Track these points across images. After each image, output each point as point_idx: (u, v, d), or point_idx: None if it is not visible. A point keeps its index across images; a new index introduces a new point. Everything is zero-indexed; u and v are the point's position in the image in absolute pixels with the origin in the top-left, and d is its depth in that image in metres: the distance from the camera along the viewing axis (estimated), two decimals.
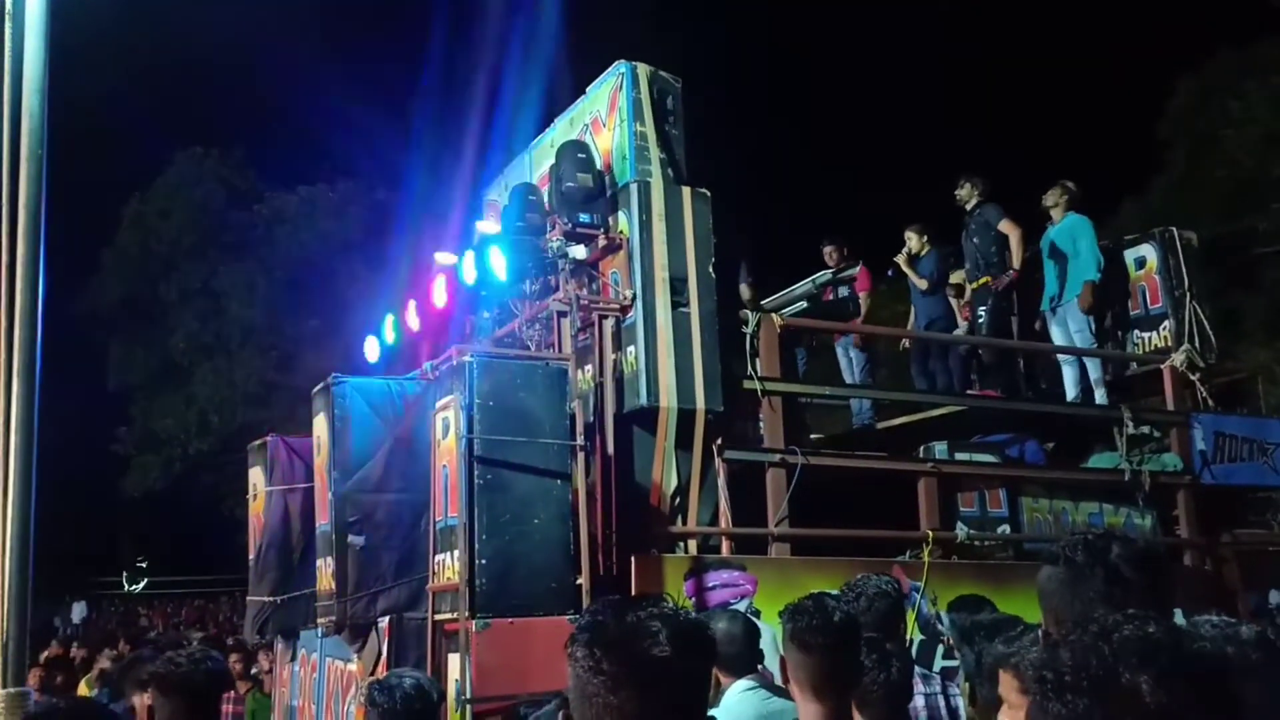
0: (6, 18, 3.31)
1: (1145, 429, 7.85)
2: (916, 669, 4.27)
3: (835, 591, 4.08)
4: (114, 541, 30.07)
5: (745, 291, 7.45)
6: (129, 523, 28.40)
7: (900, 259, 9.05)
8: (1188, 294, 8.53)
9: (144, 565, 31.58)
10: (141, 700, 3.77)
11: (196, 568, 27.81)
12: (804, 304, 8.09)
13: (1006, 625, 3.23)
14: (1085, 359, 8.43)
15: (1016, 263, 8.50)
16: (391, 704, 2.87)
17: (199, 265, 24.24)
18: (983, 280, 8.61)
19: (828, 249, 9.39)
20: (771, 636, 5.44)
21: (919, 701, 4.11)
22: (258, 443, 7.81)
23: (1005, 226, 8.56)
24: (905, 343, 9.79)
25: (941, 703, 4.41)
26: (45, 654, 9.39)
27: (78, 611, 24.38)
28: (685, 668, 1.59)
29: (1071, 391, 8.47)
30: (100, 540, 28.83)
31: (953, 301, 9.11)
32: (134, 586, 31.11)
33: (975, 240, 8.71)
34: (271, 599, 7.25)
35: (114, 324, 24.84)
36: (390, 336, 7.51)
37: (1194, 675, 1.25)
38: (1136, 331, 8.83)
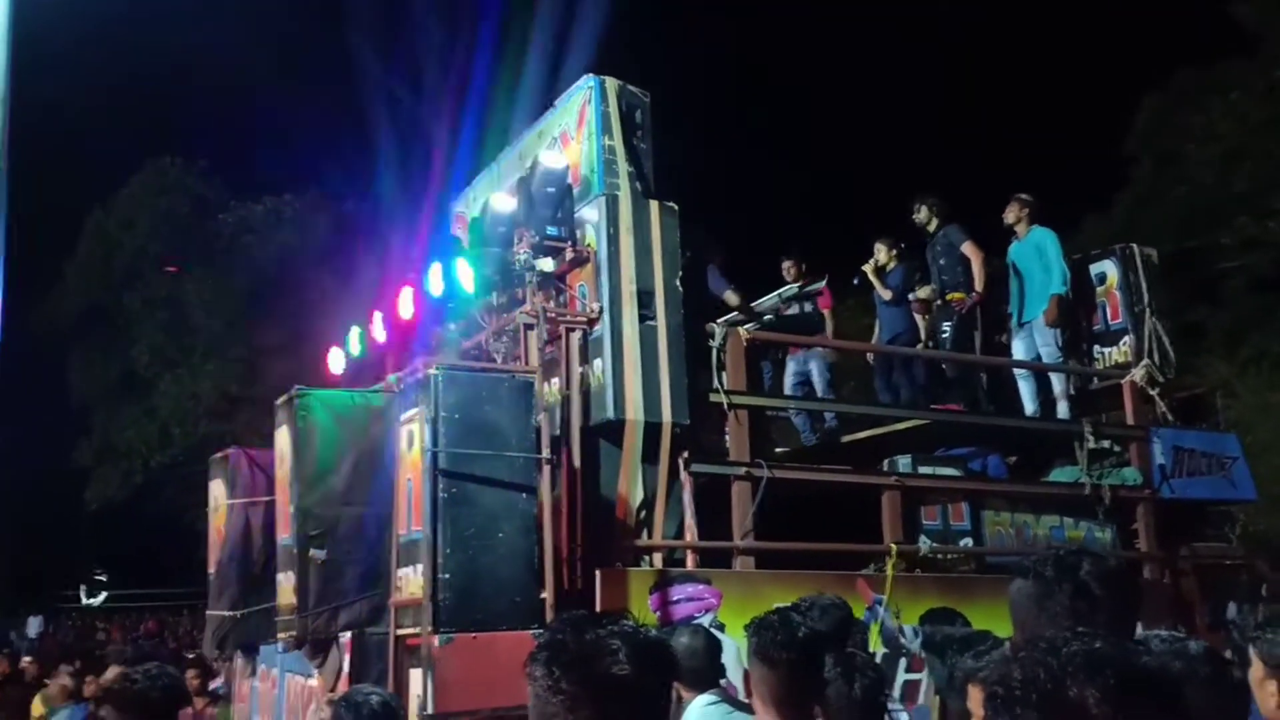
0: None
1: (1105, 443, 7.95)
2: None
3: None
4: (72, 554, 29.60)
5: (732, 298, 7.47)
6: (88, 536, 27.98)
7: (868, 268, 9.11)
8: (1148, 309, 8.65)
9: (103, 579, 31.12)
10: None
11: (157, 581, 27.43)
12: (769, 318, 8.11)
13: (978, 639, 3.25)
14: (1051, 373, 8.51)
15: (979, 285, 8.57)
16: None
17: (162, 275, 23.98)
18: (953, 296, 8.68)
19: (786, 264, 9.43)
20: (736, 650, 5.46)
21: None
22: (219, 455, 7.72)
23: (968, 249, 8.63)
24: (870, 357, 9.83)
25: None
26: None
27: (33, 626, 23.92)
28: (645, 685, 1.59)
29: (1030, 406, 8.54)
30: (58, 553, 28.39)
31: (917, 318, 9.17)
32: (92, 600, 30.63)
33: (941, 261, 8.78)
34: (231, 613, 7.17)
35: (76, 335, 24.51)
36: (355, 348, 7.46)
37: (1140, 689, 1.28)
38: (1098, 347, 8.94)
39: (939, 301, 8.81)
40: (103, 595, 30.71)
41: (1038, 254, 8.58)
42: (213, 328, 23.67)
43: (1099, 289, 8.94)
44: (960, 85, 25.00)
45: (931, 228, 8.89)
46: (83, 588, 30.86)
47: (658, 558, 6.14)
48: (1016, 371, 8.70)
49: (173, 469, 23.28)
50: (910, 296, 9.00)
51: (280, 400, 6.39)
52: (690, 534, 6.22)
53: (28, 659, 13.02)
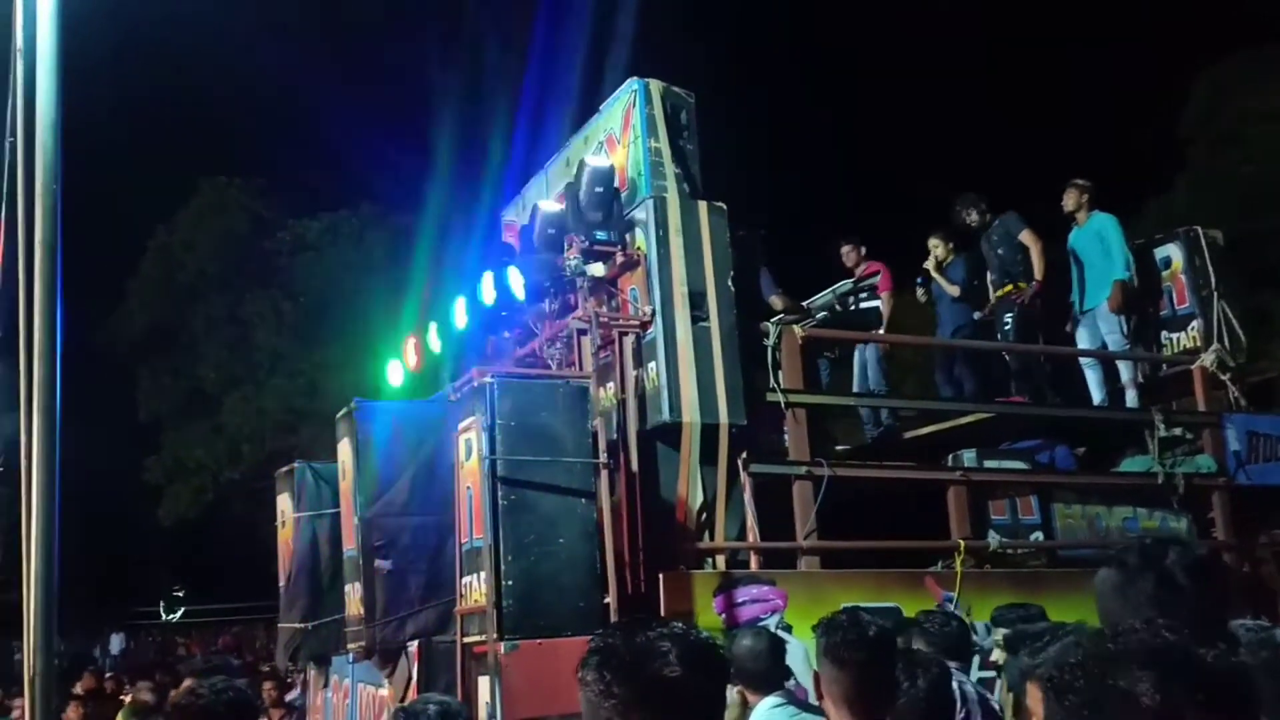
0: (18, 54, 3.34)
1: (1177, 431, 7.75)
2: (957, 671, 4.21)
3: (869, 603, 4.05)
4: (150, 572, 30.26)
5: (778, 303, 7.44)
6: (164, 553, 28.58)
7: (929, 266, 8.95)
8: (1215, 293, 8.43)
9: (180, 594, 31.77)
10: None
11: (232, 595, 27.94)
12: (825, 314, 8.03)
13: (1052, 634, 3.17)
14: (1118, 361, 8.33)
15: (1039, 274, 8.41)
16: None
17: (225, 294, 24.44)
18: (1007, 287, 8.53)
19: (845, 249, 9.30)
20: (804, 652, 5.40)
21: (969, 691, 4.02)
22: (284, 470, 7.84)
23: (1026, 238, 8.48)
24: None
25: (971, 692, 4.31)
26: (78, 686, 9.44)
27: (116, 643, 24.57)
28: (697, 688, 1.57)
29: (1097, 395, 8.37)
30: (136, 571, 29.03)
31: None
32: (171, 616, 31.29)
33: (1000, 251, 8.63)
34: (302, 625, 7.26)
35: (141, 354, 25.05)
36: (412, 360, 7.52)
37: (1196, 681, 1.23)
38: (1165, 332, 8.73)
39: (998, 293, 8.66)
40: (181, 611, 31.36)
41: (1099, 240, 8.41)
42: (275, 344, 24.06)
43: (1164, 273, 8.74)
44: (1011, 67, 24.59)
45: (985, 220, 8.74)
46: (162, 604, 31.54)
47: (721, 560, 6.10)
48: (1082, 360, 8.52)
49: (242, 484, 23.69)
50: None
51: (340, 413, 6.46)
52: (752, 535, 6.18)
53: (110, 675, 13.36)
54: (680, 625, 1.64)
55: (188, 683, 4.30)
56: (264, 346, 24.05)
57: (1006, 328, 8.48)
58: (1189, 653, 1.27)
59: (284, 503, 7.76)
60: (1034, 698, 2.46)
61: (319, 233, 24.56)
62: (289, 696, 9.25)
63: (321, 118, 23.03)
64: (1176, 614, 1.84)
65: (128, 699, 11.15)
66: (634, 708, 1.53)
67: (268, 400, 23.81)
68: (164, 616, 31.42)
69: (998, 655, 4.86)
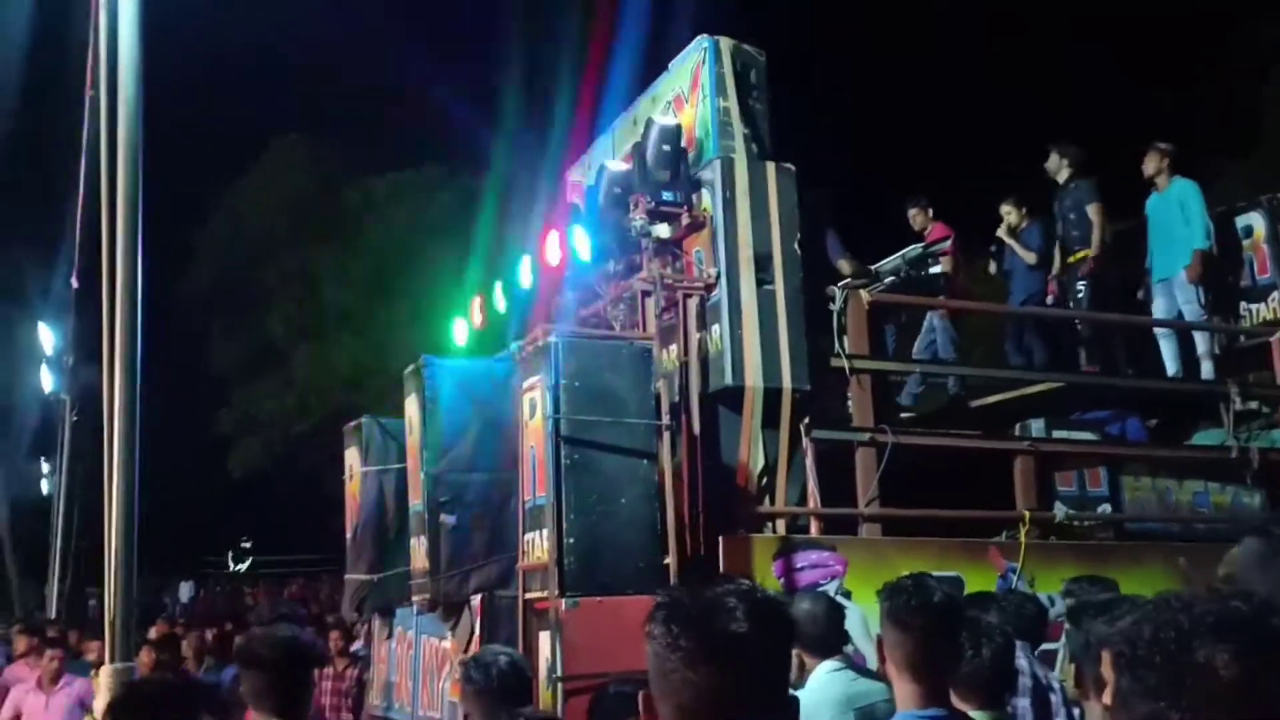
0: (102, 6, 3.39)
1: (1253, 404, 7.57)
2: (1023, 648, 4.18)
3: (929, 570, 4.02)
4: (219, 522, 31.05)
5: (845, 266, 7.34)
6: (233, 504, 29.30)
7: (1002, 232, 8.78)
8: None
9: (248, 545, 32.57)
10: None
11: (299, 547, 28.59)
12: (893, 279, 7.93)
13: (1117, 605, 3.12)
14: (1195, 332, 8.14)
15: (1095, 249, 8.24)
16: (488, 681, 2.90)
17: (293, 250, 24.80)
18: (1080, 254, 8.36)
19: (912, 211, 9.19)
20: (862, 617, 5.39)
21: (1024, 682, 4.01)
22: (353, 424, 7.96)
23: (1093, 211, 8.31)
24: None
25: (1057, 688, 4.28)
26: (152, 632, 9.73)
27: (185, 591, 25.26)
28: (763, 644, 1.58)
29: (1172, 367, 8.19)
30: (206, 521, 29.80)
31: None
32: (239, 566, 32.12)
33: (1071, 216, 8.47)
34: (368, 577, 7.41)
35: (212, 309, 25.57)
36: (478, 318, 7.58)
37: (1276, 651, 1.19)
38: (1244, 303, 8.51)
39: (1069, 259, 8.50)
40: (249, 561, 32.17)
41: (1179, 207, 8.19)
42: (343, 301, 24.39)
43: (1245, 242, 8.52)
44: (1085, 30, 23.88)
45: (1062, 178, 8.57)
46: (230, 554, 32.39)
47: (781, 524, 6.10)
48: (1158, 331, 8.33)
49: (311, 438, 24.12)
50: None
51: (408, 370, 6.54)
52: (813, 500, 6.16)
53: (181, 621, 13.76)
54: (747, 582, 1.65)
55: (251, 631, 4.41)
56: (332, 303, 24.39)
57: (1080, 296, 8.32)
58: (1267, 623, 1.24)
59: (352, 457, 7.89)
60: (1107, 664, 2.43)
61: (386, 192, 24.78)
62: (353, 647, 9.46)
63: (390, 77, 23.15)
64: None
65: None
66: (699, 660, 1.54)
67: (335, 356, 24.19)
68: (232, 567, 32.28)
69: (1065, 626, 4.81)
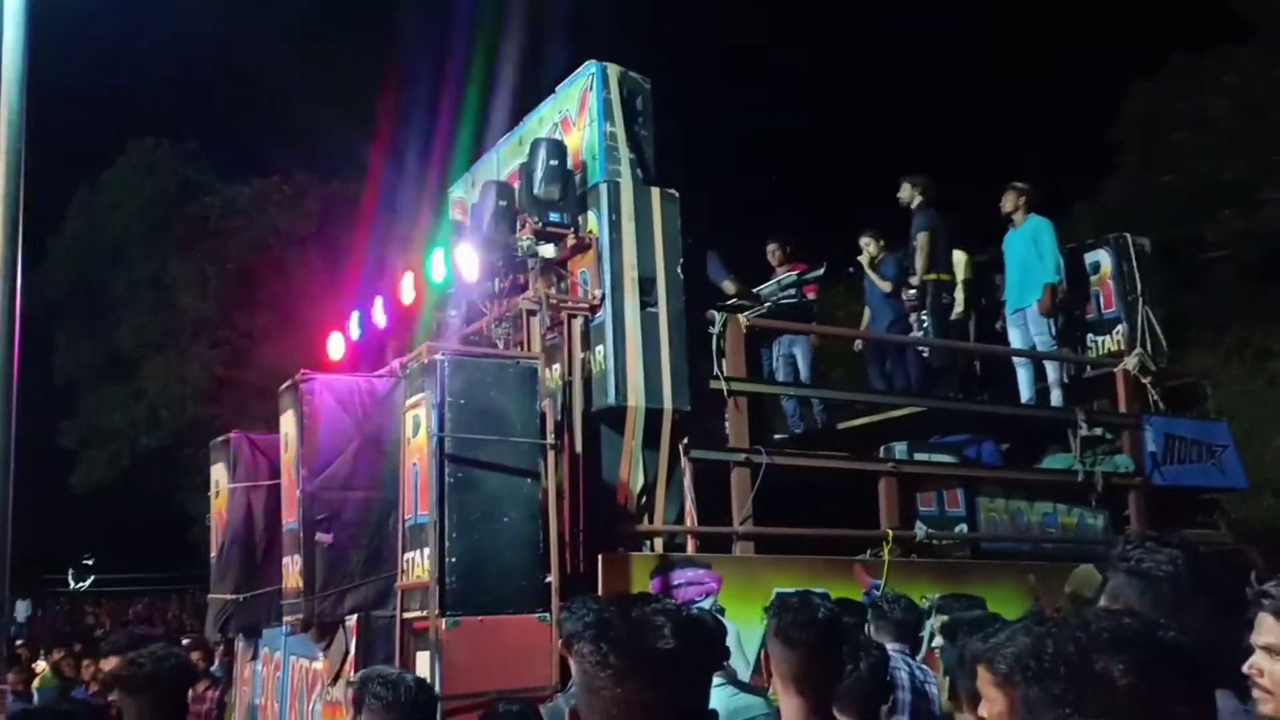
0: None
1: (1098, 431, 8.03)
2: (895, 649, 4.38)
3: (800, 588, 4.17)
4: (59, 538, 29.46)
5: (730, 287, 7.50)
6: (75, 519, 27.87)
7: (863, 261, 9.16)
8: (1140, 299, 8.74)
9: (90, 563, 31.00)
10: None
11: (145, 565, 27.37)
12: (769, 305, 8.16)
13: (989, 622, 3.34)
14: (1045, 361, 8.59)
15: (920, 273, 8.63)
16: (396, 696, 2.88)
17: (149, 257, 23.86)
18: (930, 276, 8.72)
19: (771, 247, 9.44)
20: (736, 634, 5.53)
21: (903, 697, 4.20)
22: (220, 440, 7.73)
23: (921, 240, 8.69)
24: (858, 344, 9.90)
25: (932, 690, 4.49)
26: None
27: (21, 610, 23.88)
28: (689, 660, 1.66)
29: (1026, 393, 8.63)
30: (45, 537, 28.25)
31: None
32: (80, 584, 30.53)
33: (913, 244, 8.83)
34: (234, 596, 7.19)
35: (61, 315, 24.38)
36: (355, 333, 7.47)
37: (1166, 663, 1.34)
38: (1091, 335, 9.03)
39: (913, 281, 8.83)
40: (90, 579, 30.61)
41: (1033, 242, 8.64)
42: (200, 310, 23.57)
43: (1093, 278, 9.03)
44: (949, 68, 25.00)
45: (914, 206, 8.91)
46: (70, 571, 30.76)
47: (659, 542, 6.19)
48: (1014, 359, 8.77)
49: (161, 452, 23.21)
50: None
51: (285, 385, 6.41)
52: (690, 519, 6.28)
53: (20, 643, 13.03)
54: (671, 602, 1.72)
55: (116, 659, 4.22)
56: (187, 312, 23.54)
57: (925, 325, 8.70)
58: (1156, 637, 1.38)
59: (218, 472, 7.66)
60: (984, 679, 2.60)
61: (249, 198, 24.10)
62: (211, 667, 9.15)
63: (257, 83, 22.53)
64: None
65: (39, 668, 10.94)
66: (629, 676, 1.60)
67: (190, 367, 23.34)
68: (73, 585, 30.64)
69: (939, 641, 5.04)
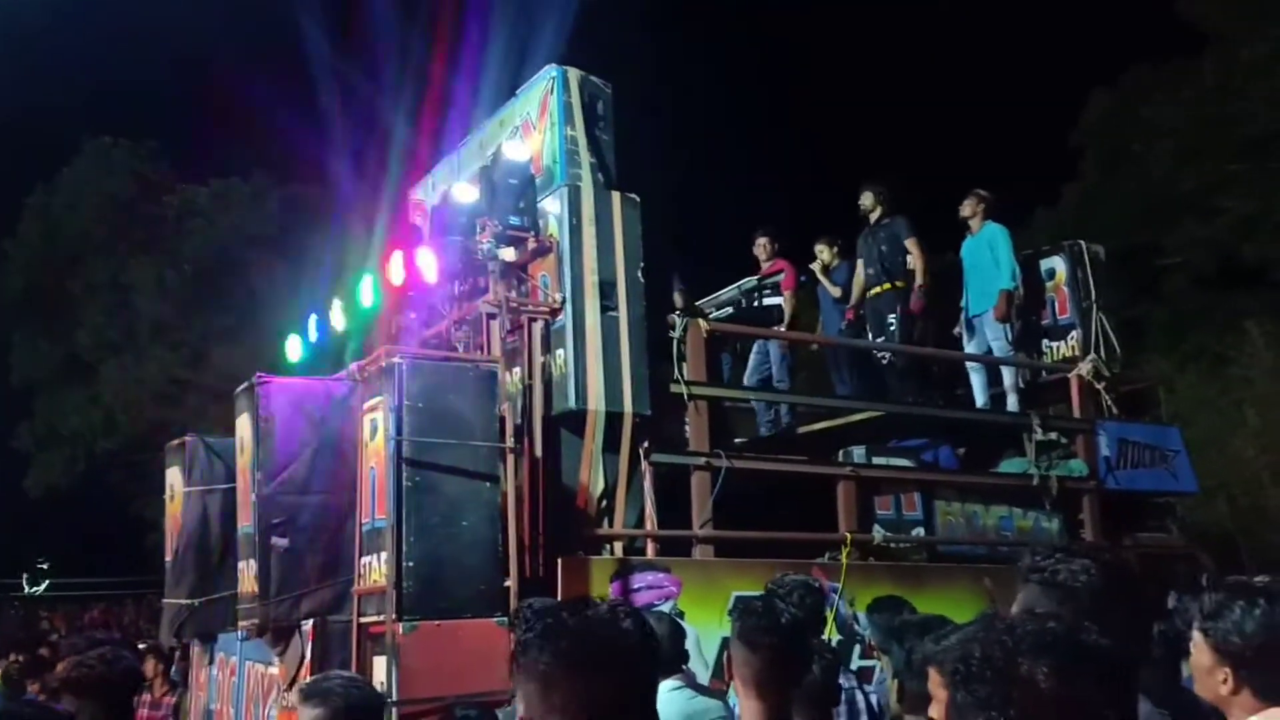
0: None
1: (1053, 435, 8.13)
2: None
3: (759, 591, 4.20)
4: (13, 542, 29.00)
5: (678, 299, 7.52)
6: (30, 523, 27.43)
7: (816, 268, 9.23)
8: (1094, 305, 8.87)
9: (45, 567, 30.51)
10: None
11: (102, 570, 26.98)
12: (730, 310, 8.21)
13: (936, 624, 3.37)
14: (1001, 366, 8.68)
15: (920, 280, 8.59)
16: (346, 702, 2.87)
17: (106, 258, 23.56)
18: (885, 287, 8.73)
19: (760, 240, 9.39)
20: (695, 637, 5.54)
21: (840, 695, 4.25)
22: (176, 443, 7.64)
23: (912, 245, 8.66)
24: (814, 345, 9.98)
25: (860, 697, 4.57)
26: None
27: None
28: (639, 656, 1.69)
29: (980, 398, 8.71)
30: None
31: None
32: (35, 589, 30.04)
33: (883, 248, 8.75)
34: (189, 601, 7.12)
35: (16, 316, 24.02)
36: (313, 335, 7.42)
37: (1087, 665, 1.38)
38: (1046, 341, 9.15)
39: (872, 291, 8.82)
40: (45, 584, 30.12)
41: (989, 249, 8.74)
42: (158, 312, 23.30)
43: (1048, 284, 9.16)
44: (911, 75, 25.29)
45: (874, 216, 8.88)
46: (25, 576, 30.26)
47: (618, 546, 6.20)
48: (969, 365, 8.86)
49: (118, 455, 22.91)
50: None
51: (240, 388, 6.35)
52: (650, 523, 6.29)
53: None
54: (622, 603, 1.77)
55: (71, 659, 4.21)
56: (146, 314, 23.27)
57: (891, 329, 8.73)
58: (1078, 641, 1.42)
59: (174, 476, 7.57)
60: (935, 681, 2.64)
61: (209, 199, 23.85)
62: (170, 672, 9.05)
63: (217, 82, 22.29)
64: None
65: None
66: (581, 673, 1.65)
67: (147, 370, 23.07)
68: (27, 590, 30.14)
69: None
